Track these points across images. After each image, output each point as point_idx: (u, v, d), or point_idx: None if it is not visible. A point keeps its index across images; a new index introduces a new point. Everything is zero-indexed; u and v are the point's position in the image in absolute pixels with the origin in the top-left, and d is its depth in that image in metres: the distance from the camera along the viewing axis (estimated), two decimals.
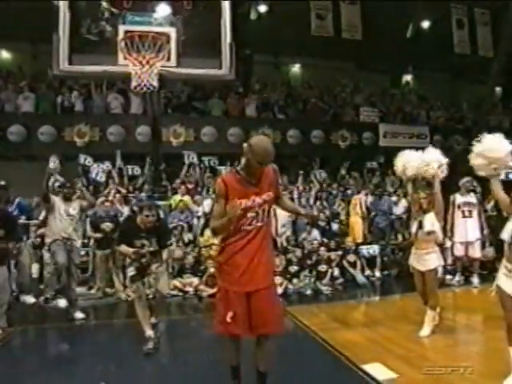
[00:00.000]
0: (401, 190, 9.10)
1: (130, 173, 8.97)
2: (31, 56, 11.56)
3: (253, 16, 12.61)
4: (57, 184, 5.58)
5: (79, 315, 5.50)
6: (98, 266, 6.97)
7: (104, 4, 4.62)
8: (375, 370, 3.59)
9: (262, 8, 12.38)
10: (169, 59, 4.59)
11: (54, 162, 5.96)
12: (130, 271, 4.34)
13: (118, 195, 7.86)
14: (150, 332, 4.25)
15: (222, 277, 2.90)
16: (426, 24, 13.42)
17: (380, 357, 3.82)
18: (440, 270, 4.36)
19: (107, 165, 8.83)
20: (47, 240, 5.45)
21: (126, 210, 7.60)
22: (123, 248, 4.36)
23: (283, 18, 12.12)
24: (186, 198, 8.40)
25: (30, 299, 6.35)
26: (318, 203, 9.12)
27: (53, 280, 6.02)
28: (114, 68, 4.57)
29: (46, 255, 6.24)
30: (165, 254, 4.55)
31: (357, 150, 11.49)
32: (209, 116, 10.82)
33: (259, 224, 2.80)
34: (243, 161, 2.82)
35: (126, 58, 4.46)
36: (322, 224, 8.56)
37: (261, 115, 11.40)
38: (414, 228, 4.47)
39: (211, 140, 10.62)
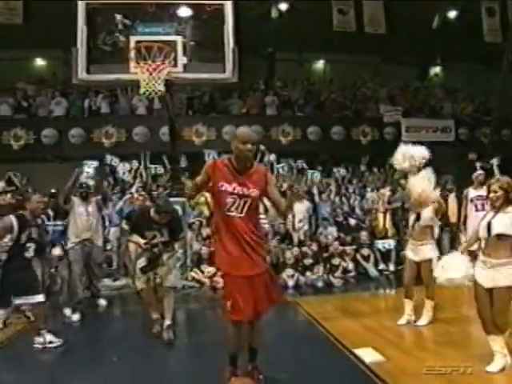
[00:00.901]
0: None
1: (153, 172, 9.50)
2: (63, 62, 12.37)
3: (274, 14, 12.91)
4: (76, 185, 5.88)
5: (102, 302, 5.94)
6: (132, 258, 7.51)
7: (118, 17, 5.10)
8: (365, 353, 3.85)
9: (283, 6, 12.67)
10: (175, 65, 5.00)
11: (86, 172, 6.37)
12: (141, 262, 4.47)
13: (143, 193, 8.36)
14: (156, 315, 4.53)
15: (218, 260, 3.16)
16: (452, 14, 13.28)
17: (373, 343, 4.07)
18: (435, 261, 4.43)
19: (133, 164, 9.40)
20: (68, 245, 5.52)
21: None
22: (135, 238, 4.59)
23: (305, 15, 12.34)
24: (207, 194, 8.80)
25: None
26: (338, 199, 9.34)
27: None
28: (125, 76, 5.05)
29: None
30: (176, 246, 4.85)
31: (378, 146, 11.50)
32: (229, 115, 11.23)
33: (239, 215, 2.97)
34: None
35: (135, 67, 4.90)
36: (340, 219, 8.80)
37: (281, 113, 11.70)
38: (411, 220, 4.63)
39: (231, 138, 10.97)
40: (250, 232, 3.02)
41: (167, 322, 4.45)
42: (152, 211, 4.52)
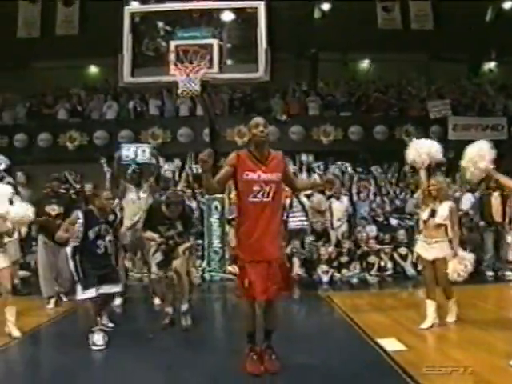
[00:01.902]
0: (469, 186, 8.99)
1: (194, 171, 9.99)
2: (114, 69, 13.23)
3: (316, 15, 13.10)
4: (129, 171, 5.91)
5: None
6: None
7: (160, 24, 5.60)
8: (387, 343, 3.99)
9: (326, 6, 12.84)
10: (211, 67, 5.40)
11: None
12: (157, 257, 4.55)
13: (188, 191, 8.85)
14: (168, 308, 4.59)
15: (239, 247, 3.38)
16: (507, 4, 12.82)
17: (397, 334, 4.21)
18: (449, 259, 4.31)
19: (177, 164, 9.96)
20: (122, 230, 5.45)
21: (194, 204, 8.59)
22: (149, 234, 4.62)
23: (348, 15, 12.44)
24: None
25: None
26: (378, 199, 9.38)
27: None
28: (165, 78, 5.51)
29: None
30: (191, 239, 4.91)
31: None
32: (271, 115, 11.54)
33: (265, 199, 3.19)
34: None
35: (174, 69, 5.34)
36: (380, 219, 8.84)
37: (323, 113, 11.85)
38: (425, 215, 4.48)
39: (273, 139, 11.33)
40: (274, 218, 3.26)
41: (183, 307, 4.51)
42: (163, 206, 4.61)
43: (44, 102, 11.58)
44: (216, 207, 7.97)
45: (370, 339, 4.16)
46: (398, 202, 9.33)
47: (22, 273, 6.95)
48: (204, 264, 7.81)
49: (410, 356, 3.65)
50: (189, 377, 3.41)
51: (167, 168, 9.96)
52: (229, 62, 5.58)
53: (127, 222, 5.69)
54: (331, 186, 3.38)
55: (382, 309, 5.29)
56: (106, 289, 4.18)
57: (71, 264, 4.13)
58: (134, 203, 5.73)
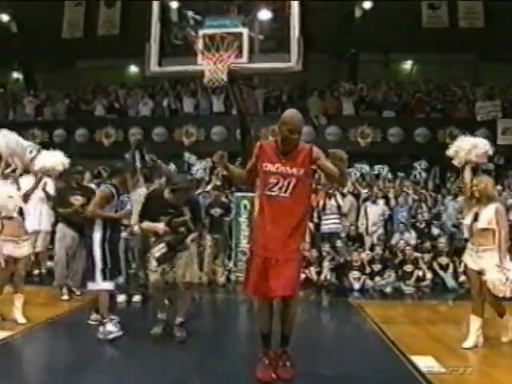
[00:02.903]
0: None
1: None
2: None
3: (357, 14, 12.55)
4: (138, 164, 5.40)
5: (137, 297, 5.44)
6: (207, 251, 7.46)
7: (189, 13, 5.35)
8: (423, 361, 3.50)
9: (367, 4, 12.26)
10: (241, 56, 5.09)
11: None
12: (160, 249, 3.78)
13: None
14: (161, 315, 4.02)
15: (252, 240, 3.25)
16: None
17: (434, 352, 3.69)
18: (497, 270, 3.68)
19: (207, 162, 9.73)
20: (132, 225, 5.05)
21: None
22: (146, 224, 3.91)
23: (391, 13, 11.83)
24: None
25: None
26: (416, 205, 8.73)
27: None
28: (192, 67, 5.25)
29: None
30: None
31: None
32: (306, 115, 11.13)
33: (282, 194, 2.98)
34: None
35: (202, 59, 5.07)
36: (421, 226, 8.20)
37: (361, 114, 11.31)
38: (468, 220, 3.95)
39: (308, 138, 10.90)
40: (291, 214, 3.01)
41: (179, 319, 3.95)
42: (166, 192, 3.90)
43: (83, 98, 11.70)
44: (245, 206, 7.63)
45: (403, 355, 3.69)
46: (439, 208, 8.63)
47: (49, 264, 6.89)
48: (231, 264, 7.48)
49: (448, 379, 3.17)
50: (195, 381, 3.18)
51: (199, 166, 9.81)
52: (259, 51, 5.24)
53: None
54: (340, 162, 2.93)
55: (418, 322, 4.76)
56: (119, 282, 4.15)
57: (98, 252, 3.92)
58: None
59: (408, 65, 14.26)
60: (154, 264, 3.87)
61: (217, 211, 7.73)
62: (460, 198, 8.44)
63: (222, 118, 11.04)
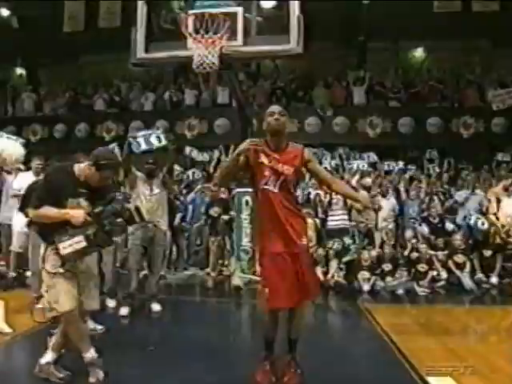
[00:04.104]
0: None
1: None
2: None
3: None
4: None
5: (156, 307, 4.88)
6: (213, 250, 7.30)
7: None
8: (439, 383, 2.99)
9: None
10: (234, 38, 4.54)
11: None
12: (76, 242, 2.67)
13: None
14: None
15: (259, 238, 3.15)
16: None
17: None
18: None
19: (212, 156, 9.22)
20: (129, 230, 4.32)
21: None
22: (45, 211, 2.75)
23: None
24: None
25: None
26: (427, 198, 8.11)
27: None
28: (182, 52, 4.72)
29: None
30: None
31: (483, 140, 9.89)
32: (313, 106, 10.53)
33: (271, 189, 2.91)
34: None
35: (192, 41, 4.53)
36: (435, 221, 7.58)
37: (370, 103, 10.66)
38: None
39: (314, 130, 10.34)
40: (284, 207, 2.94)
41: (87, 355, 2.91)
42: (79, 167, 2.87)
43: (83, 92, 11.25)
44: (247, 202, 7.11)
45: (416, 374, 3.15)
46: (452, 202, 7.99)
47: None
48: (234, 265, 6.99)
49: None
50: None
51: (202, 159, 9.32)
52: (257, 34, 4.67)
53: None
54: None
55: (433, 331, 4.20)
56: None
57: None
58: (146, 199, 4.75)
59: (418, 52, 13.50)
60: (55, 264, 2.79)
61: (216, 211, 7.33)
62: (479, 191, 7.85)
63: (224, 109, 10.48)
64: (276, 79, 10.99)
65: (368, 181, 7.89)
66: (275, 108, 3.00)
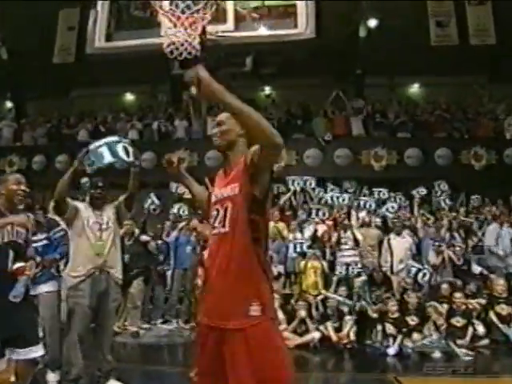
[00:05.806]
0: None
1: None
2: (150, 96, 11.71)
3: (362, 33, 10.95)
4: (87, 185, 3.78)
5: None
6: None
7: None
8: None
9: (372, 22, 10.66)
10: (224, 21, 3.31)
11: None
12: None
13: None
14: None
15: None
16: None
17: None
18: None
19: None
20: (68, 280, 3.32)
21: None
22: None
23: (396, 32, 10.26)
24: (280, 224, 6.96)
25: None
26: (448, 235, 6.70)
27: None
28: (154, 40, 3.47)
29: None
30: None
31: (497, 171, 8.68)
32: (312, 137, 9.33)
33: (222, 230, 1.88)
34: None
35: (162, 14, 3.31)
36: (459, 263, 6.10)
37: (372, 134, 9.49)
38: None
39: (315, 163, 9.08)
40: (233, 257, 1.83)
41: None
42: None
43: (66, 122, 10.00)
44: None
45: None
46: (477, 240, 6.58)
47: None
48: None
49: None
50: None
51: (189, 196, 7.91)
52: (251, 15, 3.44)
53: (78, 269, 3.30)
54: None
55: None
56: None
57: None
58: (94, 235, 3.35)
59: (415, 88, 12.57)
60: None
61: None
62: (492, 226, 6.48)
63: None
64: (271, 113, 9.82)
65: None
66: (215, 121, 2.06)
